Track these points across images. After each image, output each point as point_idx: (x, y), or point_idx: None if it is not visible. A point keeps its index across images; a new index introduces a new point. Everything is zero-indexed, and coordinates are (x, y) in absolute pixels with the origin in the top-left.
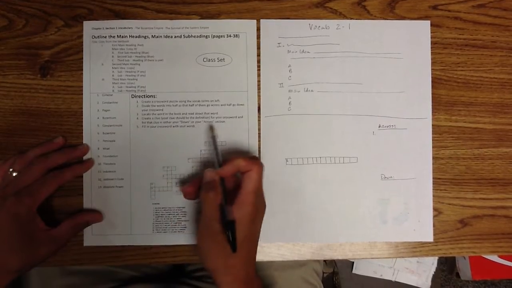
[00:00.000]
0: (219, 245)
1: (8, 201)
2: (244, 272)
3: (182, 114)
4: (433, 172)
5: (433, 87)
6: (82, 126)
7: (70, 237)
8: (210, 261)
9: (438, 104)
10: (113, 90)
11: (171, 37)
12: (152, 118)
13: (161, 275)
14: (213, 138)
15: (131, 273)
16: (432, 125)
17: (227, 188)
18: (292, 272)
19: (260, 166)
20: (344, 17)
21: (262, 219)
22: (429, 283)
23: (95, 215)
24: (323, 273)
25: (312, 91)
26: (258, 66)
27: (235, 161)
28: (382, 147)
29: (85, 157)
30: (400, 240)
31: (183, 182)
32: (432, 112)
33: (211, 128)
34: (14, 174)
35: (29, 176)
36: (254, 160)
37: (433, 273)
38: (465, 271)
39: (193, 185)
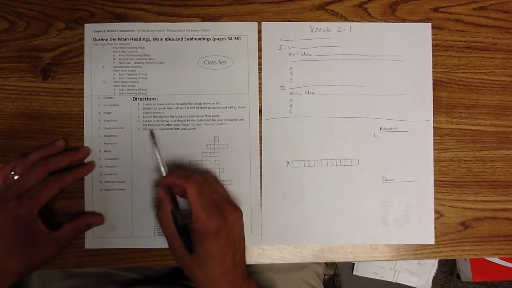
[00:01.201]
0: (186, 260)
1: (9, 203)
2: (226, 282)
3: (183, 116)
4: (434, 174)
5: (434, 89)
6: (83, 128)
7: (71, 240)
8: (188, 275)
9: (439, 106)
10: (114, 93)
11: (172, 39)
12: (153, 121)
13: (162, 278)
14: (154, 144)
15: (132, 275)
16: (433, 127)
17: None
18: (293, 275)
19: (194, 182)
20: (345, 19)
21: (233, 226)
22: (430, 284)
23: (96, 218)
24: (324, 275)
25: (313, 93)
26: (259, 69)
27: (171, 179)
28: (383, 150)
29: (86, 160)
30: (401, 243)
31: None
32: (433, 115)
33: (152, 134)
34: (16, 177)
35: (31, 179)
36: (187, 177)
37: (433, 274)
38: (466, 272)
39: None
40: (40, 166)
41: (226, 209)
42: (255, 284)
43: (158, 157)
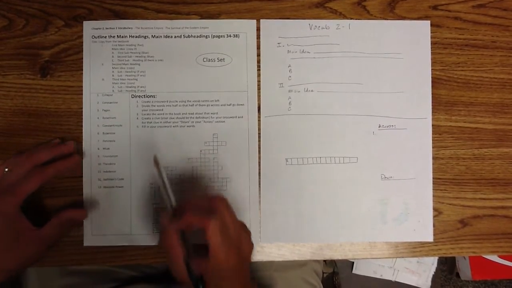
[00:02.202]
0: None
1: None
2: None
3: (182, 114)
4: (433, 172)
5: (433, 87)
6: (82, 126)
7: (58, 236)
8: None
9: (438, 104)
10: (113, 90)
11: (171, 37)
12: (152, 118)
13: (161, 275)
14: (160, 173)
15: (131, 273)
16: (432, 125)
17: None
18: (292, 272)
19: (213, 220)
20: (344, 17)
21: (248, 258)
22: (429, 283)
23: (79, 211)
24: (323, 273)
25: (312, 91)
26: (258, 66)
27: (187, 219)
28: (382, 147)
29: (84, 158)
30: (400, 240)
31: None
32: (432, 112)
33: (155, 161)
34: (6, 169)
35: (15, 174)
36: (206, 216)
37: (433, 273)
38: (465, 271)
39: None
40: (24, 159)
41: (243, 243)
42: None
43: (167, 186)
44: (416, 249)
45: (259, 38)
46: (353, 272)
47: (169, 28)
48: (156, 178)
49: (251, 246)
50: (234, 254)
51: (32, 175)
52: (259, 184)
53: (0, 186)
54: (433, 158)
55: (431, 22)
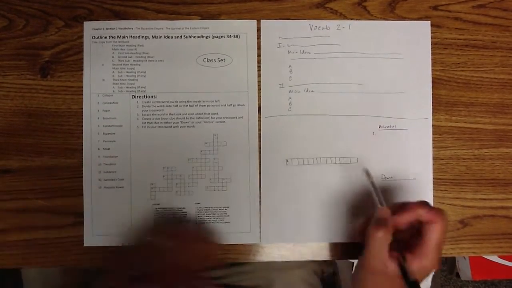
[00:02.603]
0: (390, 285)
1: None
2: None
3: (183, 114)
4: (433, 172)
5: (433, 87)
6: (82, 126)
7: None
8: None
9: (438, 104)
10: (113, 91)
11: (172, 37)
12: (153, 119)
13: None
14: (373, 183)
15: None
16: (433, 125)
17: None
18: (292, 273)
19: (445, 217)
20: (345, 17)
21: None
22: (429, 283)
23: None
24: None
25: (312, 91)
26: (259, 67)
27: (417, 210)
28: (382, 148)
29: (84, 158)
30: None
31: None
32: (432, 113)
33: (368, 174)
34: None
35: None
36: (439, 211)
37: (433, 273)
38: (465, 271)
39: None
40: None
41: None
42: None
43: (380, 196)
44: None
45: (260, 38)
46: (353, 272)
47: (169, 28)
48: (368, 185)
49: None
50: (438, 261)
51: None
52: (259, 184)
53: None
54: (434, 158)
55: (431, 22)
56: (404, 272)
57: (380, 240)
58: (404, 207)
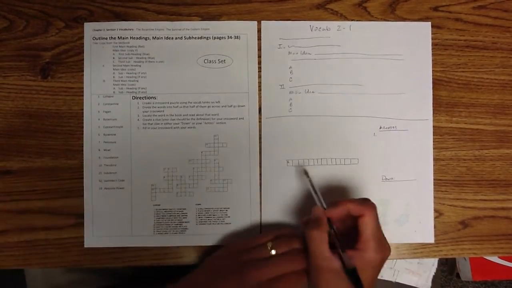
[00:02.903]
0: (337, 283)
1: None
2: None
3: (183, 115)
4: (434, 173)
5: (434, 88)
6: (83, 127)
7: None
8: None
9: (439, 105)
10: (114, 92)
11: (172, 38)
12: (153, 120)
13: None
14: (310, 181)
15: (133, 270)
16: (433, 126)
17: (340, 231)
18: None
19: (373, 209)
20: (345, 18)
21: (384, 262)
22: (430, 284)
23: None
24: None
25: (313, 92)
26: (259, 68)
27: (345, 205)
28: (383, 149)
29: (85, 159)
30: (401, 242)
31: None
32: (433, 113)
33: (305, 172)
34: (273, 252)
35: (285, 267)
36: (366, 203)
37: (433, 274)
38: (466, 271)
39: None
40: (297, 254)
41: (385, 243)
42: None
43: (318, 194)
44: (417, 250)
45: (260, 39)
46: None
47: (170, 29)
48: (307, 185)
49: (390, 250)
50: (381, 250)
51: (294, 278)
52: (260, 185)
53: (270, 271)
54: (434, 159)
55: (432, 23)
56: (342, 263)
57: (316, 239)
58: (335, 203)
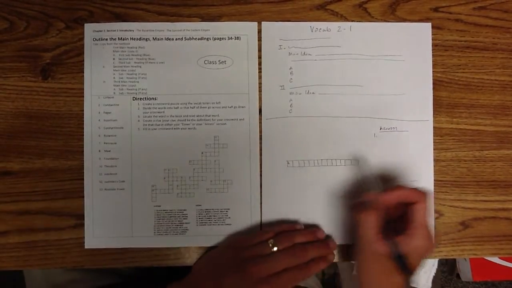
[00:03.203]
0: (384, 267)
1: (254, 275)
2: None
3: (183, 116)
4: (434, 174)
5: (434, 89)
6: (83, 128)
7: None
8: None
9: (439, 106)
10: (114, 93)
11: (172, 39)
12: (153, 121)
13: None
14: (368, 171)
15: (134, 269)
16: (434, 127)
17: (391, 218)
18: None
19: (427, 197)
20: (345, 19)
21: (428, 254)
22: (430, 284)
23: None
24: (324, 274)
25: (313, 93)
26: (260, 69)
27: (400, 190)
28: (383, 150)
29: (85, 160)
30: None
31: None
32: (433, 114)
33: (360, 163)
34: (275, 249)
35: (285, 261)
36: (420, 190)
37: (433, 274)
38: (466, 272)
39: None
40: (300, 250)
41: (432, 234)
42: None
43: (377, 180)
44: None
45: (260, 40)
46: (354, 273)
47: (170, 30)
48: (365, 175)
49: (434, 242)
50: (429, 238)
51: (296, 272)
52: (260, 186)
53: (270, 267)
54: (434, 160)
55: (432, 24)
56: (394, 244)
57: (363, 222)
58: (391, 189)
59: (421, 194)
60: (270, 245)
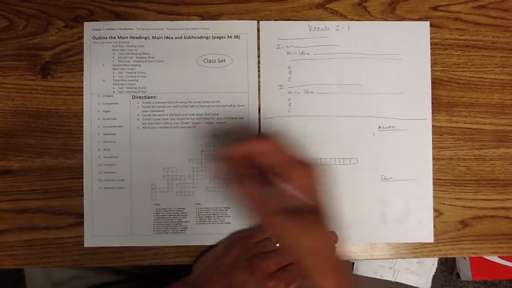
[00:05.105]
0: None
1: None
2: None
3: (183, 115)
4: (433, 173)
5: (433, 88)
6: (82, 127)
7: None
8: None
9: (438, 105)
10: (113, 91)
11: (172, 38)
12: (153, 119)
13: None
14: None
15: (133, 267)
16: (433, 126)
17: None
18: None
19: (274, 139)
20: (345, 18)
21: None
22: (430, 283)
23: None
24: None
25: (312, 92)
26: (259, 67)
27: (243, 144)
28: (382, 148)
29: (85, 159)
30: (400, 241)
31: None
32: (432, 113)
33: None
34: (278, 244)
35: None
36: (264, 137)
37: (433, 273)
38: (465, 271)
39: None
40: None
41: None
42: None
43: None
44: (417, 249)
45: (260, 39)
46: (353, 272)
47: (169, 29)
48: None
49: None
50: (302, 170)
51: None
52: None
53: (272, 266)
54: (434, 159)
55: (431, 23)
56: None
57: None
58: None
59: (264, 139)
60: (274, 240)
